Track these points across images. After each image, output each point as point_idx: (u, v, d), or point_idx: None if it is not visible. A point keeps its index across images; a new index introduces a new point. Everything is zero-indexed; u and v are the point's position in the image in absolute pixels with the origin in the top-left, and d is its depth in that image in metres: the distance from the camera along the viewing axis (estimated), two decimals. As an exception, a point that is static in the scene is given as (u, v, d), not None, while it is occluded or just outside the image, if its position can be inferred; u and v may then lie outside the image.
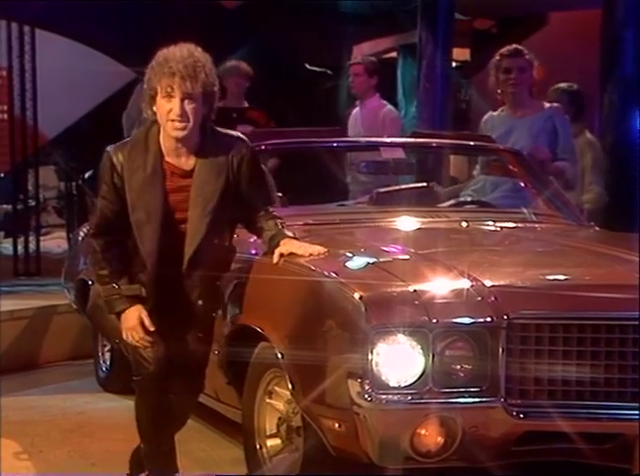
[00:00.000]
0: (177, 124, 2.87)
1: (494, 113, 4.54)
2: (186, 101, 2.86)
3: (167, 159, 2.96)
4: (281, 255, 2.99)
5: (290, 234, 3.05)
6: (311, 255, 2.95)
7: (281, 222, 3.07)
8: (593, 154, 4.96)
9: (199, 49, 2.95)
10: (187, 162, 2.96)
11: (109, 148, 3.00)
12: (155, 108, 2.92)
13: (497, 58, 4.41)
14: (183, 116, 2.86)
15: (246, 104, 6.14)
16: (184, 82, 2.85)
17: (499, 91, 4.43)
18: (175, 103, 2.86)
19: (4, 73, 7.04)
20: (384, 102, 6.05)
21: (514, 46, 4.45)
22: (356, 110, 5.93)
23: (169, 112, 2.87)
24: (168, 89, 2.86)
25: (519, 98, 4.40)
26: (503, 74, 4.37)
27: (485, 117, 4.59)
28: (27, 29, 6.95)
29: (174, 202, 2.94)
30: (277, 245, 3.01)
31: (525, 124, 4.35)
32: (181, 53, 2.90)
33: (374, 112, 5.80)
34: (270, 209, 3.09)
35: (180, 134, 2.90)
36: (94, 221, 3.06)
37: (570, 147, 4.44)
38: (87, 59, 8.13)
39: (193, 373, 3.07)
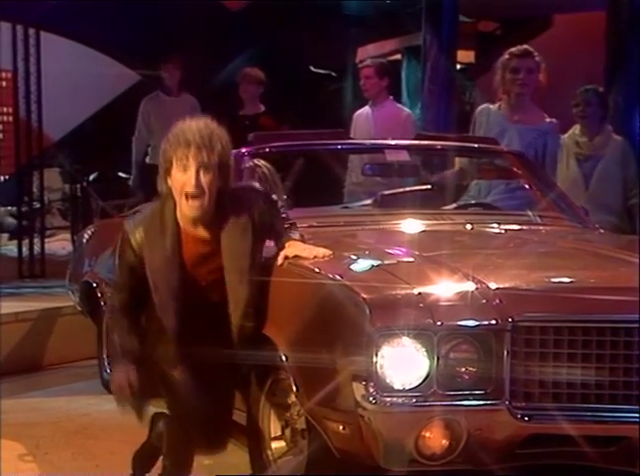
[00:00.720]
0: (192, 202, 2.82)
1: (492, 106, 4.48)
2: (202, 172, 2.81)
3: (186, 230, 2.90)
4: (286, 257, 2.98)
5: (297, 236, 3.05)
6: (316, 257, 2.95)
7: (289, 223, 3.06)
8: (629, 154, 4.93)
9: (215, 122, 2.90)
10: (207, 231, 2.92)
11: (126, 226, 2.95)
12: (169, 182, 2.86)
13: (506, 56, 4.37)
14: (198, 187, 2.81)
15: (262, 110, 6.16)
16: (200, 152, 2.80)
17: (503, 91, 4.41)
18: (191, 175, 2.81)
19: (9, 76, 7.06)
20: (400, 106, 6.03)
21: (524, 46, 4.42)
22: (365, 111, 5.87)
23: (185, 185, 2.82)
24: (184, 160, 2.81)
25: (522, 101, 4.37)
26: (511, 74, 4.33)
27: (481, 107, 4.52)
28: (32, 31, 6.97)
29: (199, 274, 2.91)
30: (282, 247, 3.01)
31: (518, 131, 4.31)
32: (197, 124, 2.86)
33: (393, 116, 5.74)
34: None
35: (196, 213, 2.85)
36: (114, 302, 3.00)
37: (552, 169, 4.40)
38: (92, 61, 8.16)
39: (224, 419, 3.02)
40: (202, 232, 2.92)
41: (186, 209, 2.86)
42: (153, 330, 2.95)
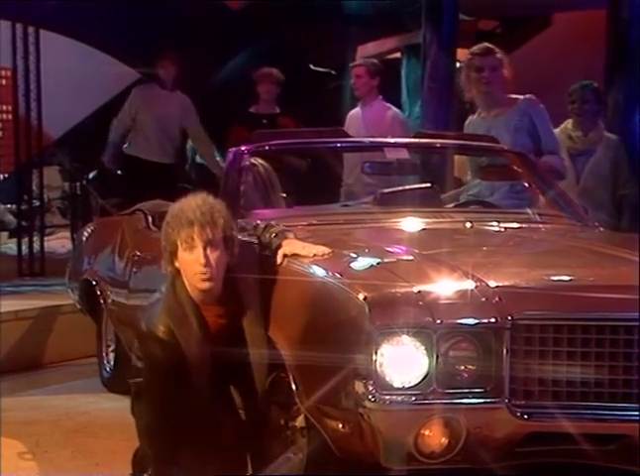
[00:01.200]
0: (203, 276, 2.80)
1: (473, 116, 4.50)
2: (209, 249, 2.80)
3: (204, 307, 2.88)
4: (285, 256, 2.98)
5: (291, 235, 3.04)
6: (315, 255, 2.94)
7: (265, 224, 3.06)
8: (621, 151, 4.90)
9: (211, 196, 2.89)
10: (221, 304, 2.90)
11: (145, 326, 2.87)
12: (176, 264, 2.85)
13: (469, 56, 4.39)
14: (208, 265, 2.79)
15: (277, 110, 6.18)
16: (204, 230, 2.79)
17: (468, 90, 4.40)
18: (198, 253, 2.79)
19: (9, 74, 7.06)
20: (388, 105, 6.06)
21: (485, 44, 4.43)
22: (355, 111, 5.94)
23: (193, 264, 2.80)
24: (189, 240, 2.79)
25: (492, 97, 4.35)
26: (475, 73, 4.34)
27: (467, 122, 4.55)
28: (31, 29, 6.96)
29: (222, 341, 2.88)
30: (280, 246, 3.01)
31: (501, 123, 4.30)
32: (195, 201, 2.84)
33: (379, 115, 5.81)
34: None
35: (207, 286, 2.82)
36: (150, 406, 2.91)
37: (553, 140, 4.37)
38: (91, 59, 8.15)
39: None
40: (217, 306, 2.90)
41: (198, 284, 2.83)
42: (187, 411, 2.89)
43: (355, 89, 5.92)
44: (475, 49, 4.38)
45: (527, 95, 4.40)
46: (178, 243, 2.82)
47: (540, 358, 2.58)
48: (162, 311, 2.89)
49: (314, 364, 2.71)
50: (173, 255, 2.85)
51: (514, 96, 4.39)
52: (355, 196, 4.88)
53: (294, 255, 2.96)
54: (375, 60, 6.26)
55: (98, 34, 7.91)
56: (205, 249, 2.80)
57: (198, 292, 2.86)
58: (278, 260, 2.98)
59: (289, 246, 2.99)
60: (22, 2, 6.76)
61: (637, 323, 2.60)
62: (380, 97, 5.97)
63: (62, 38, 7.97)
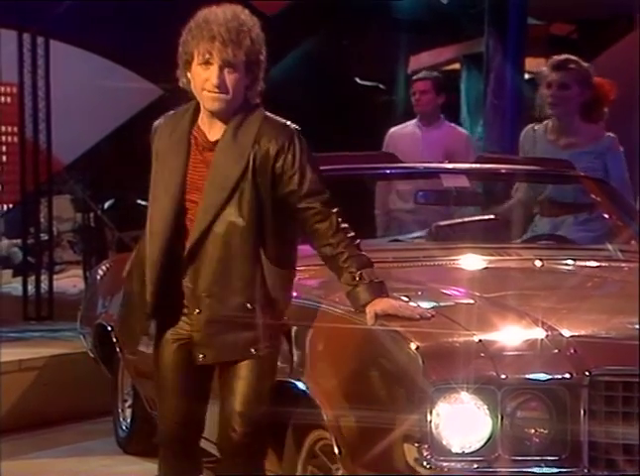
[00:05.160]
0: (213, 95, 2.88)
1: (537, 127, 4.47)
2: (226, 70, 2.87)
3: (198, 126, 2.96)
4: (376, 316, 2.78)
5: (376, 281, 2.82)
6: (420, 317, 2.75)
7: (362, 265, 2.83)
8: None
9: (246, 11, 2.93)
10: (217, 133, 2.95)
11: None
12: (189, 75, 2.93)
13: (544, 68, 4.39)
14: (221, 87, 2.86)
15: None
16: (225, 48, 2.85)
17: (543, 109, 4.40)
18: (213, 72, 2.86)
19: (14, 90, 7.18)
20: (454, 125, 6.08)
21: (563, 56, 4.40)
22: (409, 131, 5.91)
23: (206, 81, 2.87)
24: (207, 55, 2.86)
25: (562, 122, 4.34)
26: (545, 89, 4.33)
27: (525, 130, 4.52)
28: (40, 40, 7.08)
29: (192, 180, 2.94)
30: (365, 302, 2.80)
31: (569, 158, 4.22)
32: (224, 14, 2.89)
33: (451, 138, 5.79)
34: (345, 243, 2.85)
35: (215, 106, 2.90)
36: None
37: (624, 191, 4.31)
38: (108, 73, 8.25)
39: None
40: (211, 133, 2.94)
41: (206, 103, 2.90)
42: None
43: (417, 106, 5.91)
44: (550, 60, 4.37)
45: (610, 134, 4.38)
46: (195, 54, 2.89)
47: (624, 421, 2.57)
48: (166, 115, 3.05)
49: (360, 424, 2.72)
50: (188, 64, 2.93)
51: (595, 126, 4.36)
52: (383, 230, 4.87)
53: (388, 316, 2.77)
54: (440, 75, 6.28)
55: (115, 45, 8.03)
56: (222, 69, 2.86)
57: (206, 111, 2.92)
58: (370, 321, 2.77)
59: (380, 305, 2.78)
60: (29, 9, 6.88)
61: None
62: (443, 116, 5.99)
63: (75, 49, 8.10)
